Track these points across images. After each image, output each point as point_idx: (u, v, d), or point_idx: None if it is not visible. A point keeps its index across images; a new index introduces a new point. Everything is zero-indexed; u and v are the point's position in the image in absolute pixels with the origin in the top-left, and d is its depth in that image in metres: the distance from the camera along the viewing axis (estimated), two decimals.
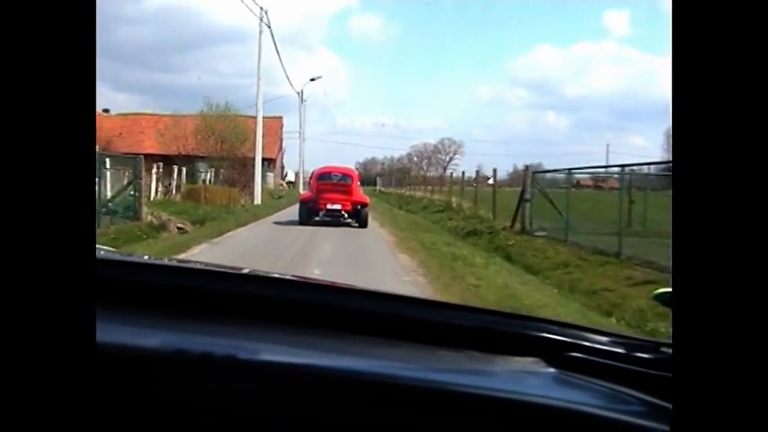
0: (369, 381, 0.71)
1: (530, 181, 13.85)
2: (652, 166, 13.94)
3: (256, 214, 19.70)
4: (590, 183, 17.07)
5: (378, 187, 53.40)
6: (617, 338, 0.87)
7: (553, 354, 0.81)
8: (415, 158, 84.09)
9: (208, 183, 27.03)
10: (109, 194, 13.04)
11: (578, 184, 14.74)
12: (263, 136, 27.12)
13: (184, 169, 26.60)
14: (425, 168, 75.86)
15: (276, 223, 16.89)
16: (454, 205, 21.23)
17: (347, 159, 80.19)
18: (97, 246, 0.87)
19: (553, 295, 7.45)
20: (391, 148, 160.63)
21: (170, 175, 25.00)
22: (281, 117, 40.83)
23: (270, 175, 36.01)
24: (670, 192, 0.86)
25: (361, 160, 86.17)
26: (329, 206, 16.00)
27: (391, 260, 10.29)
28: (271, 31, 26.71)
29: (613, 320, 5.96)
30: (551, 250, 10.56)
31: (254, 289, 0.87)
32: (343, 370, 0.73)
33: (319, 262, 9.53)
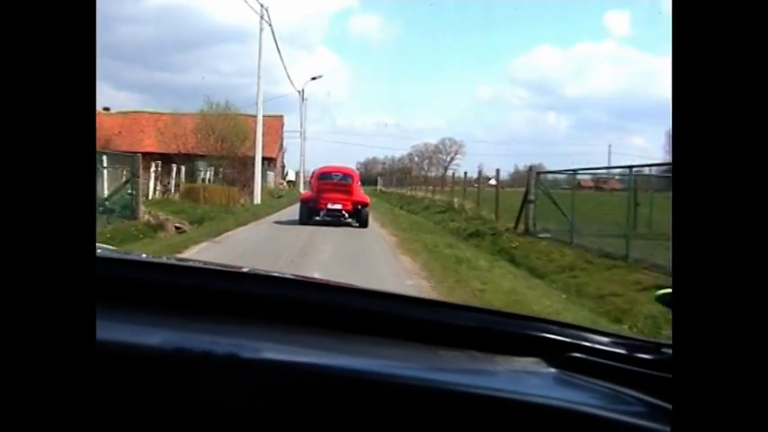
0: (369, 380, 0.71)
1: (533, 182, 13.65)
2: (654, 168, 13.75)
3: (256, 214, 19.59)
4: (591, 184, 16.88)
5: (379, 187, 53.39)
6: (617, 339, 0.87)
7: (553, 354, 0.81)
8: (416, 158, 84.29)
9: (207, 182, 26.88)
10: (106, 193, 12.87)
11: (579, 185, 14.55)
12: (263, 135, 26.92)
13: (183, 168, 26.44)
14: (426, 168, 75.97)
15: (276, 223, 16.84)
16: (456, 206, 21.08)
17: (348, 159, 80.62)
18: (97, 244, 0.87)
19: (561, 301, 7.19)
20: (392, 147, 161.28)
21: (169, 173, 24.86)
22: (281, 116, 40.59)
23: (270, 174, 35.88)
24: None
25: (362, 160, 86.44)
26: (330, 206, 15.93)
27: (393, 262, 10.15)
28: (271, 28, 26.64)
29: (626, 328, 5.73)
30: (556, 253, 10.36)
31: (255, 288, 0.87)
32: (344, 369, 0.72)
33: (319, 263, 9.44)
